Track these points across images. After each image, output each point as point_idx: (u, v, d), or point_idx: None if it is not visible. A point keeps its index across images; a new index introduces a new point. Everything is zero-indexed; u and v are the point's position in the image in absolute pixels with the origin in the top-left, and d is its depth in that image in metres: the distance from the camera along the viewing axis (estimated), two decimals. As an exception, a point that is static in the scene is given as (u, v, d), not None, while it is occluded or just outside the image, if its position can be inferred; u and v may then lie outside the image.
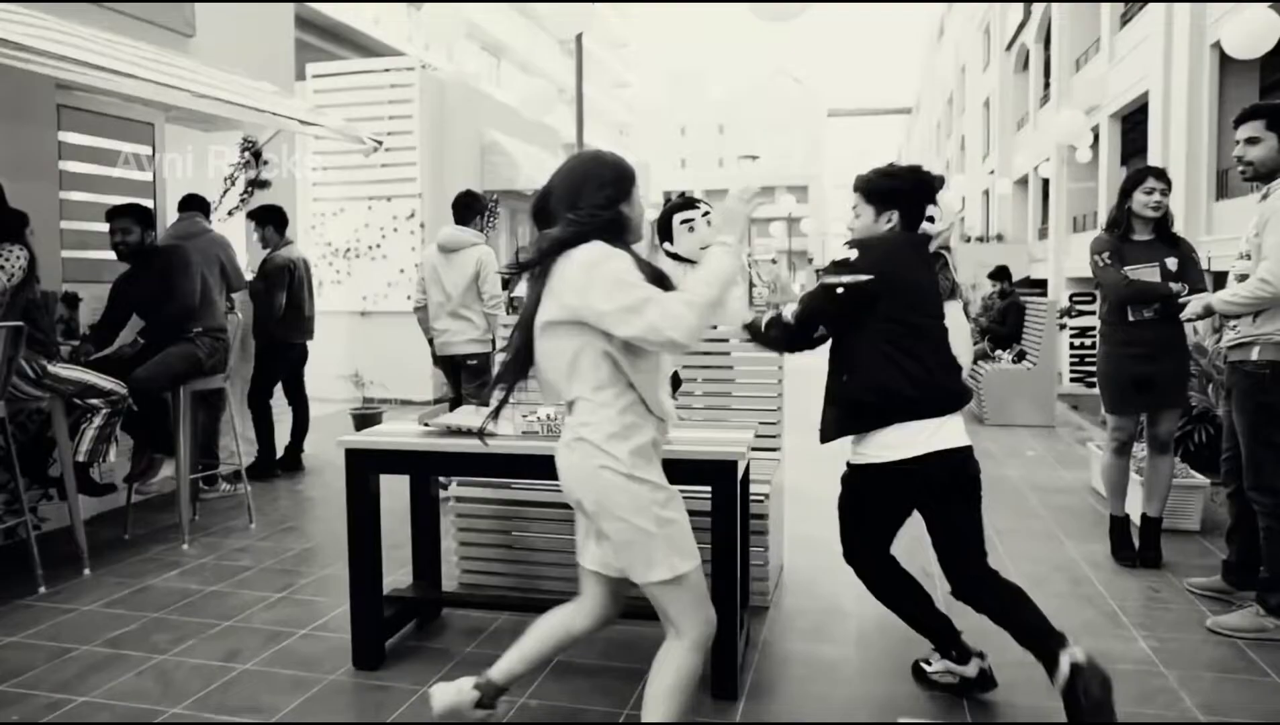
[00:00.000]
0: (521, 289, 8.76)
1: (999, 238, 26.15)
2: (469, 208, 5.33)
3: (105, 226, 4.56)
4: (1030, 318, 8.27)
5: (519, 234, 11.38)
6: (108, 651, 3.13)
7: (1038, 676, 2.57)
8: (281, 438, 6.09)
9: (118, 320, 4.54)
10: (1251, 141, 3.22)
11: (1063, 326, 9.97)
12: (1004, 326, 8.47)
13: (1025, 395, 7.78)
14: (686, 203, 6.37)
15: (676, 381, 3.61)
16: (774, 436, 3.90)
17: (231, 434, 5.05)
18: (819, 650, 3.16)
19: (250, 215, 6.12)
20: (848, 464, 2.72)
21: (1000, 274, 8.77)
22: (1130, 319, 3.84)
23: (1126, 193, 3.91)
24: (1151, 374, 3.81)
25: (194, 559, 4.16)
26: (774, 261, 6.47)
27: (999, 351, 8.45)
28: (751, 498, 3.36)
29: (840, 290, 2.59)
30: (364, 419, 7.45)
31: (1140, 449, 4.25)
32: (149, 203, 5.44)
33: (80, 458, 4.02)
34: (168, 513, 4.76)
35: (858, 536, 2.78)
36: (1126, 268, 3.84)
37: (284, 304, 5.82)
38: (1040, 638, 2.54)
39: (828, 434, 2.72)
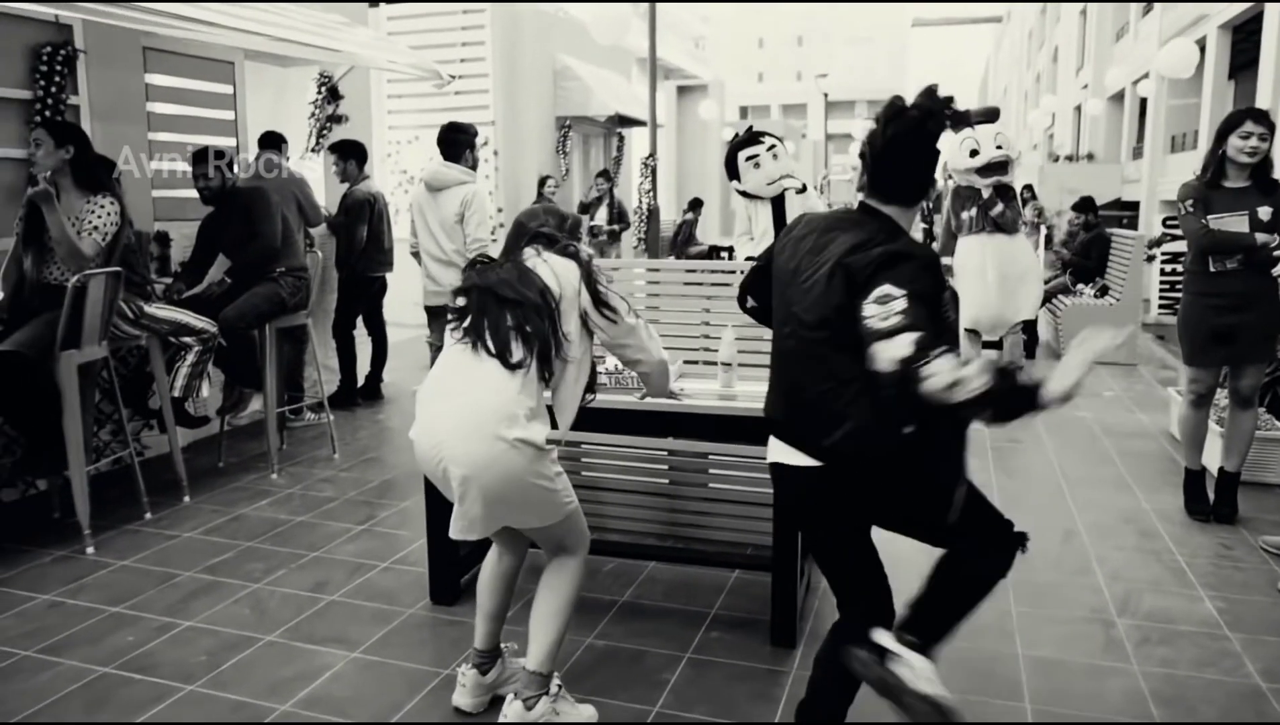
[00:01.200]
0: (601, 216, 8.81)
1: (1089, 157, 24.92)
2: (454, 142, 4.81)
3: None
4: (1115, 251, 7.96)
5: (591, 159, 11.33)
6: (208, 578, 3.38)
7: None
8: (362, 367, 6.32)
9: (205, 260, 4.73)
10: None
11: (1151, 257, 9.58)
12: (1088, 260, 8.17)
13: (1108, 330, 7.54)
14: (750, 138, 6.27)
15: None
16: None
17: (314, 366, 5.27)
18: (878, 599, 3.22)
19: (331, 149, 6.24)
20: None
21: (1085, 205, 8.42)
22: (1212, 269, 3.70)
23: (1222, 136, 3.71)
24: (1234, 326, 3.68)
25: (282, 489, 4.41)
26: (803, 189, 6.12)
27: (1080, 286, 8.18)
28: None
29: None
30: (440, 350, 7.65)
31: (1222, 399, 4.13)
32: (231, 141, 5.61)
33: (176, 393, 4.26)
34: (258, 442, 5.03)
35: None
36: (1211, 216, 3.68)
37: (365, 238, 5.97)
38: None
39: None
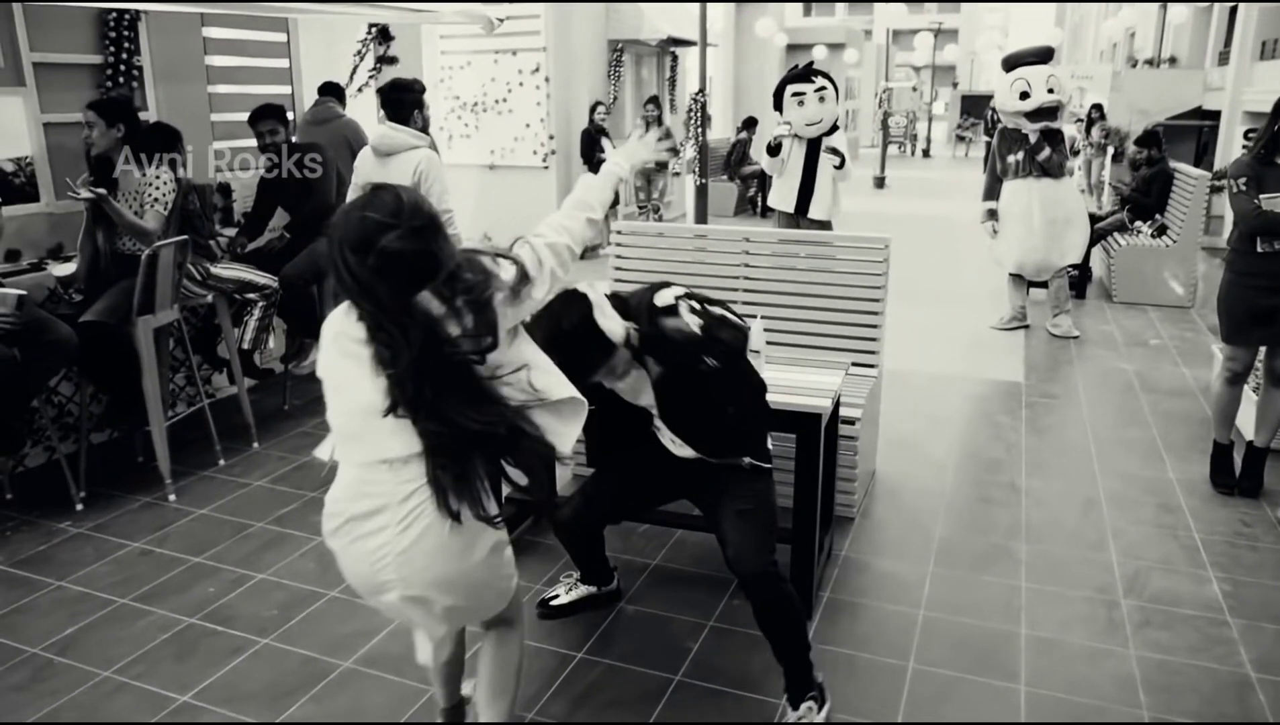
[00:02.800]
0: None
1: (1171, 61, 23.59)
2: (399, 102, 4.23)
3: (248, 115, 4.90)
4: (1177, 189, 7.73)
5: (643, 84, 11.19)
6: (276, 530, 3.70)
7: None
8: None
9: (264, 213, 4.96)
10: None
11: (1219, 189, 9.24)
12: (1147, 197, 7.95)
13: (1161, 274, 7.42)
14: (803, 75, 6.23)
15: None
16: (873, 352, 4.00)
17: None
18: (897, 568, 3.40)
19: (379, 91, 6.33)
20: None
21: (1148, 140, 8.13)
22: (1259, 250, 3.67)
23: (1278, 112, 3.63)
24: (1274, 307, 3.67)
25: (343, 435, 4.71)
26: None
27: (1139, 222, 7.99)
28: (841, 418, 3.52)
29: None
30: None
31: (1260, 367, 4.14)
32: (286, 89, 5.75)
33: (245, 345, 4.55)
34: (319, 384, 5.32)
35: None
36: (1264, 195, 3.63)
37: None
38: (798, 671, 2.54)
39: None
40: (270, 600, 3.19)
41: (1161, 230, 7.73)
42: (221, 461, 4.34)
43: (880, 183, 16.59)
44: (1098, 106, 13.38)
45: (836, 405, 3.18)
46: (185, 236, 4.01)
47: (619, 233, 4.47)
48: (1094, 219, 8.15)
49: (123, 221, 3.78)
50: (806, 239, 4.13)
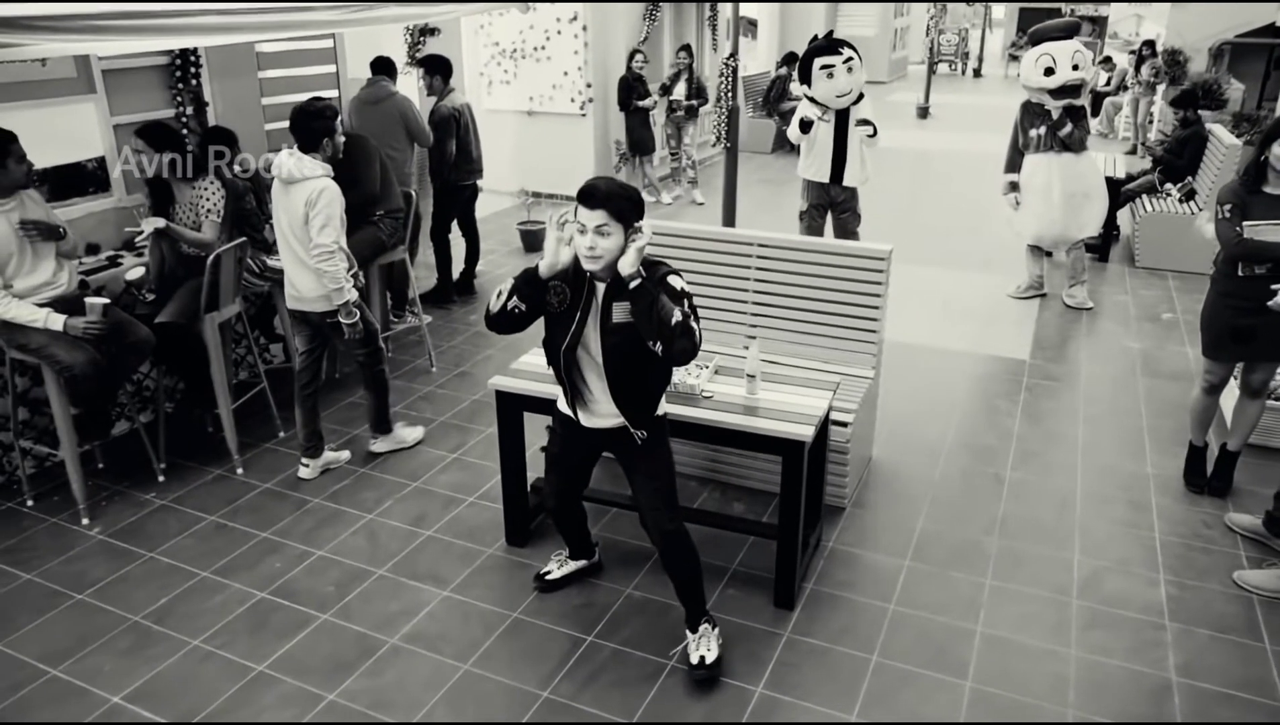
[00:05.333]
0: (680, 91, 9.07)
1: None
2: (309, 130, 4.02)
3: (300, 96, 5.22)
4: (1209, 155, 7.72)
5: (682, 28, 11.17)
6: (332, 507, 4.21)
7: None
8: (456, 267, 6.96)
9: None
10: None
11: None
12: (1179, 159, 7.95)
13: (1185, 240, 7.49)
14: (830, 47, 6.33)
15: None
16: (871, 356, 4.32)
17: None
18: (878, 561, 3.81)
19: (419, 63, 6.59)
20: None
21: (1185, 100, 8.07)
22: (1240, 273, 3.88)
23: (1265, 142, 3.79)
24: (1253, 326, 3.90)
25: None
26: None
27: (1169, 185, 8.01)
28: (833, 422, 3.89)
29: None
30: (529, 236, 8.23)
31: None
32: (331, 68, 6.04)
33: (299, 327, 5.01)
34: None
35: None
36: (1248, 222, 3.82)
37: (454, 151, 6.42)
38: (696, 606, 3.19)
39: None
40: (328, 577, 3.71)
41: (1190, 195, 7.77)
42: (281, 433, 4.85)
43: (924, 113, 16.35)
44: (1149, 44, 13.02)
45: (826, 417, 3.54)
46: (243, 238, 4.42)
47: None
48: (1126, 179, 8.20)
49: (185, 240, 4.22)
50: (814, 247, 4.40)
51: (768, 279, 4.46)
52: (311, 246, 3.97)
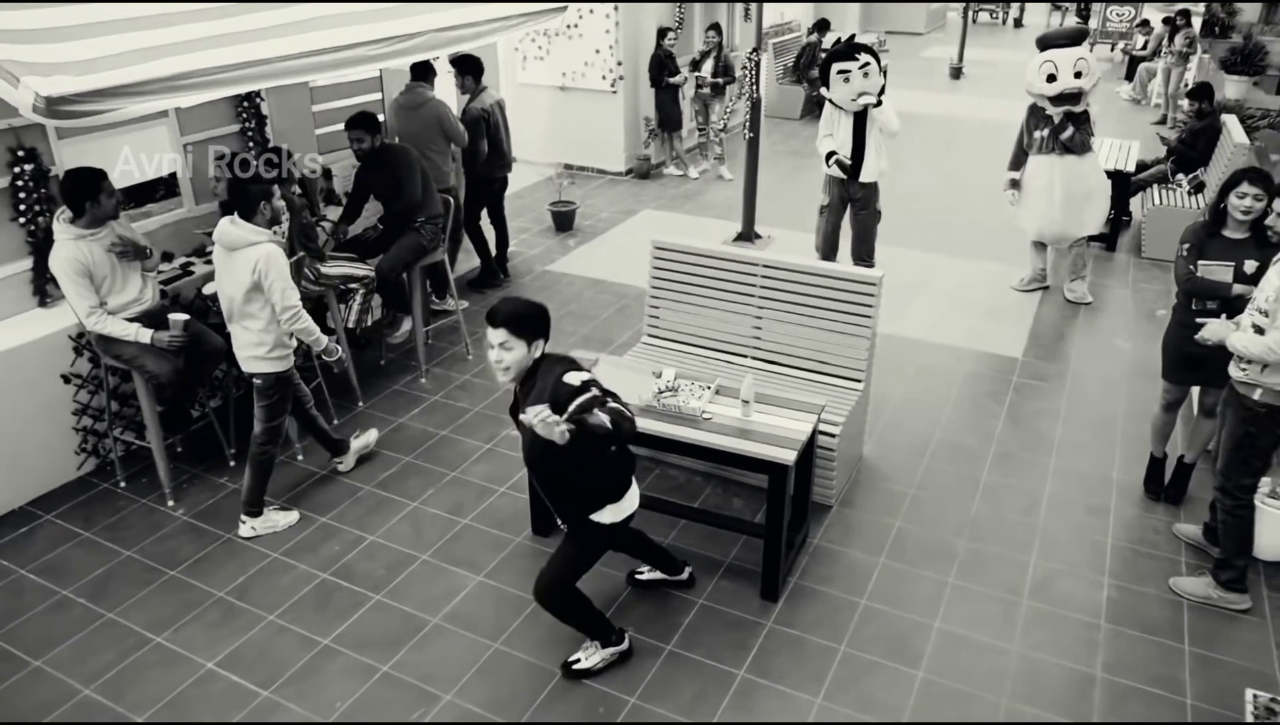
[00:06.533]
0: (708, 69, 9.55)
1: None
2: (246, 195, 4.11)
3: (346, 101, 5.71)
4: (1220, 148, 7.92)
5: (709, 14, 11.34)
6: (381, 494, 4.82)
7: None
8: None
9: (358, 205, 5.85)
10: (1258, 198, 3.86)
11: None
12: (1192, 150, 8.16)
13: (1191, 233, 7.76)
14: (848, 53, 6.67)
15: None
16: (860, 370, 4.78)
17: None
18: (856, 559, 4.33)
19: (452, 63, 6.98)
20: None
21: (1200, 92, 8.23)
22: (1193, 307, 4.27)
23: (1224, 191, 4.15)
24: (1204, 355, 4.27)
25: (429, 395, 5.76)
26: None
27: (1180, 175, 8.23)
28: (821, 432, 4.38)
29: None
30: (560, 216, 8.69)
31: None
32: (374, 72, 6.48)
33: (349, 325, 5.58)
34: (402, 346, 6.35)
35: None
36: (1202, 262, 4.20)
37: (485, 150, 6.85)
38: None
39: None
40: (379, 560, 4.33)
41: (1199, 187, 8.00)
42: (335, 421, 5.44)
43: (957, 73, 16.32)
44: (1184, 13, 12.91)
45: (810, 438, 4.03)
46: (302, 253, 4.97)
47: (659, 248, 5.19)
48: (1138, 168, 8.43)
49: None
50: (813, 269, 4.83)
51: (770, 296, 4.91)
52: (280, 310, 4.15)
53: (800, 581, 4.20)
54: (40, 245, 4.60)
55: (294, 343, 4.39)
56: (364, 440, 5.07)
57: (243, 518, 4.49)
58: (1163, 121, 12.92)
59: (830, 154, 6.53)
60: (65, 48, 3.86)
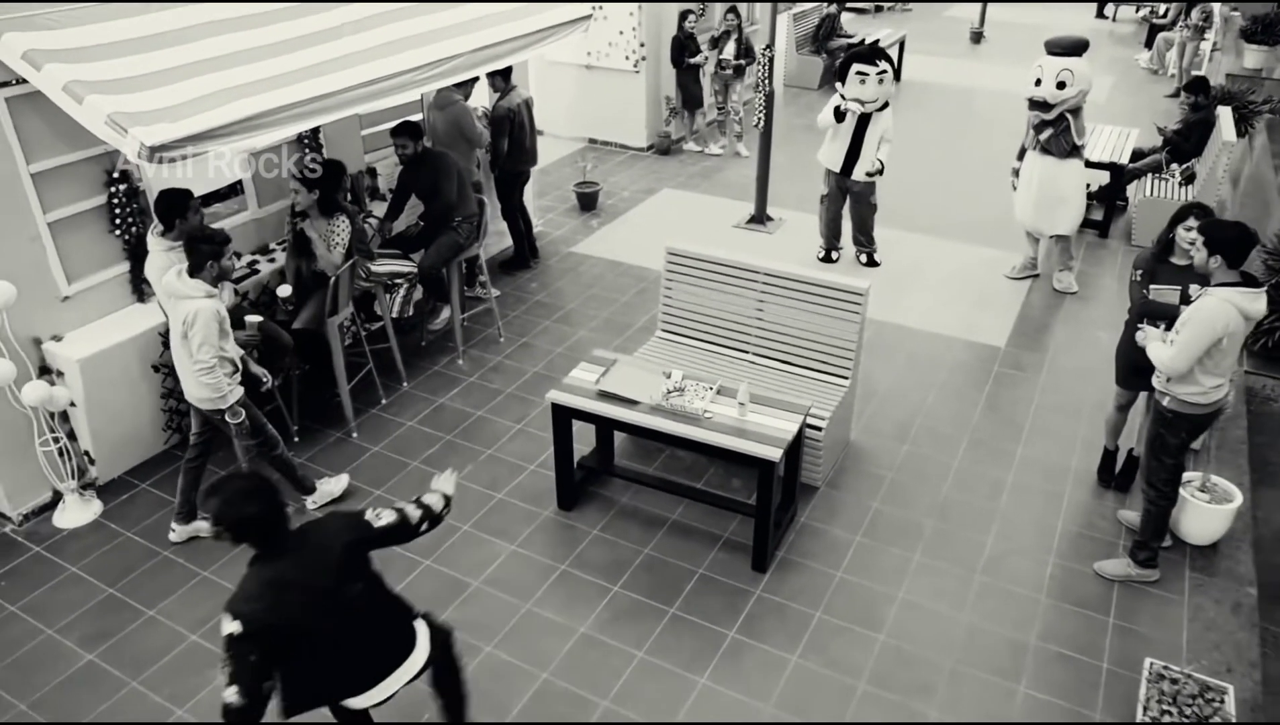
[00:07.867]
0: (729, 51, 10.16)
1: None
2: (198, 252, 4.41)
3: (389, 102, 6.24)
4: (1212, 141, 8.30)
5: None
6: (425, 469, 5.53)
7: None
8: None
9: (400, 203, 6.48)
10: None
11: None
12: (1187, 141, 8.55)
13: (1178, 224, 8.20)
14: (868, 57, 7.13)
15: None
16: (847, 369, 5.40)
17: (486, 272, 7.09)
18: (837, 536, 5.01)
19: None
20: None
21: (1196, 86, 8.58)
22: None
23: (1172, 224, 4.69)
24: (1150, 365, 4.87)
25: (465, 377, 6.44)
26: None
27: (1174, 165, 8.64)
28: (808, 426, 5.02)
29: None
30: (585, 197, 9.25)
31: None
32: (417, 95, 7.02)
33: (394, 315, 6.27)
34: (438, 331, 7.02)
35: None
36: (1153, 286, 4.76)
37: (506, 148, 7.37)
38: None
39: None
40: (427, 530, 5.05)
41: (1190, 178, 8.41)
42: (383, 400, 6.15)
43: (977, 38, 16.44)
44: (1203, -15, 13.03)
45: (797, 435, 4.68)
46: (355, 258, 5.63)
47: (672, 253, 5.79)
48: (1134, 157, 8.84)
49: (319, 256, 5.43)
50: (807, 278, 5.43)
51: (769, 299, 5.52)
52: (193, 362, 4.43)
53: (787, 555, 4.89)
54: (134, 251, 5.28)
55: (235, 379, 4.63)
56: (331, 488, 5.23)
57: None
58: (1176, 95, 13.13)
59: (839, 111, 7.10)
60: (156, 95, 4.45)
